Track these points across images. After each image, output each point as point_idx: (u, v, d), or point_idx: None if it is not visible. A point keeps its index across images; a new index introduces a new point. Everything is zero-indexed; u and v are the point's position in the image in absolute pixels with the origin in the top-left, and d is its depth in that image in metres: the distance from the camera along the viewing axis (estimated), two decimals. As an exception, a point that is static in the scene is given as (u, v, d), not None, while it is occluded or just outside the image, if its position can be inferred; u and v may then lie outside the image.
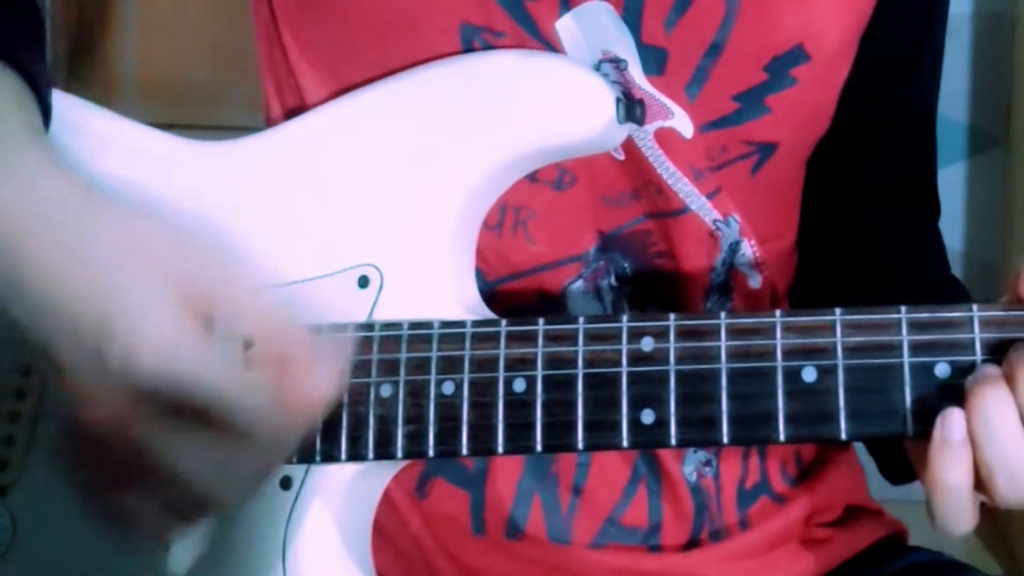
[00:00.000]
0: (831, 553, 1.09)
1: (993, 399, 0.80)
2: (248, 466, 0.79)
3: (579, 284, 1.02)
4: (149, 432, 0.77)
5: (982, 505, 0.85)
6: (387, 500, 0.99)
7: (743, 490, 1.07)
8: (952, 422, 0.81)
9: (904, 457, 0.90)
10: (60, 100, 0.99)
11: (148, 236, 0.79)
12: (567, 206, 1.00)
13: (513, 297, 1.02)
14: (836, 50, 1.01)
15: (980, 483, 0.81)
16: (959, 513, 0.82)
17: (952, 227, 1.18)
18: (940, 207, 1.19)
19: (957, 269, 1.17)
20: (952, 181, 1.18)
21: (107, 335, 0.76)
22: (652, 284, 1.03)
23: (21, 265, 0.78)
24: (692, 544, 1.06)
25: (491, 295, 1.01)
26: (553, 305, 1.02)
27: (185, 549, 0.93)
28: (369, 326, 0.92)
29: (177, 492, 0.79)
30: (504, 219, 1.00)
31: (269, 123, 1.07)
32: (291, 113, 1.04)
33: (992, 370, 0.82)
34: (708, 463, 1.06)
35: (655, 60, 0.97)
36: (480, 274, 1.00)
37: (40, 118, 0.88)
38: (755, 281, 1.05)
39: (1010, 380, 0.80)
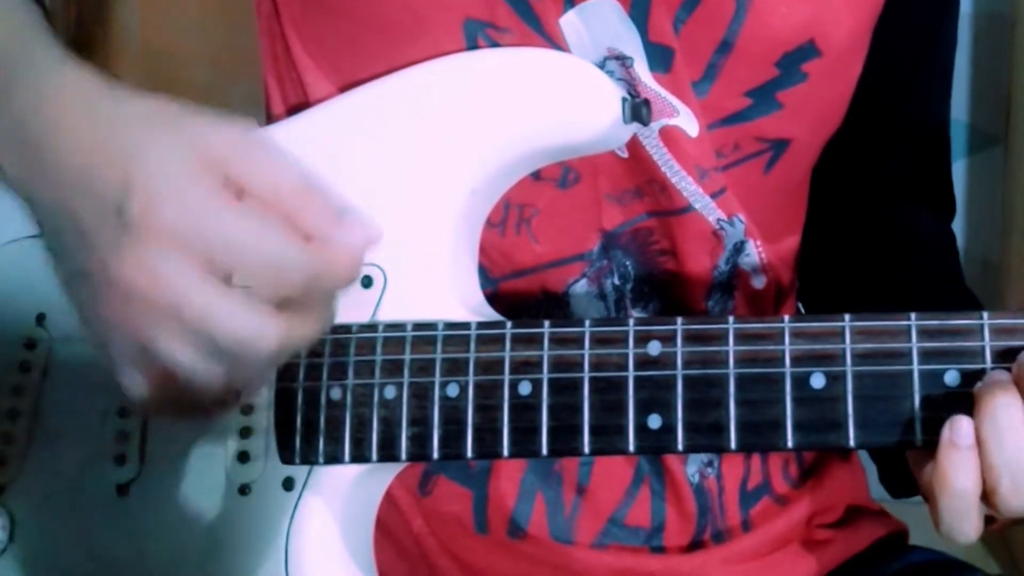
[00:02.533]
0: (832, 554, 1.09)
1: (1002, 403, 0.80)
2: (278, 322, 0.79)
3: (582, 283, 1.02)
4: (178, 284, 0.77)
5: (988, 521, 0.85)
6: (389, 498, 0.99)
7: (745, 491, 1.07)
8: (961, 426, 0.81)
9: (906, 469, 0.90)
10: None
11: (169, 110, 0.82)
12: (571, 204, 1.00)
13: (516, 296, 1.02)
14: (847, 45, 1.01)
15: (985, 489, 0.81)
16: (964, 520, 0.82)
17: (952, 225, 1.18)
18: (955, 206, 1.18)
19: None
20: (952, 178, 1.18)
21: (129, 192, 0.77)
22: (654, 282, 1.03)
23: (48, 137, 0.82)
24: (695, 545, 1.06)
25: (494, 293, 1.01)
26: (556, 304, 1.02)
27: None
28: (372, 327, 0.92)
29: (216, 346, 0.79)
30: (507, 217, 1.00)
31: (270, 118, 1.06)
32: (293, 108, 1.04)
33: (1002, 375, 0.82)
34: (710, 463, 1.06)
35: (661, 58, 0.97)
36: (483, 272, 0.99)
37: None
38: (759, 281, 1.05)
39: (1020, 384, 0.80)
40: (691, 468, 1.05)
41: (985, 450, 0.80)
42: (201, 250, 0.77)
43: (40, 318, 0.99)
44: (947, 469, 0.81)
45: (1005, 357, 0.82)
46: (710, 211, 1.01)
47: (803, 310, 1.16)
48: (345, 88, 1.00)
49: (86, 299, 0.82)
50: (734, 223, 1.02)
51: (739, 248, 1.03)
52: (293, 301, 0.79)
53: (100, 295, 0.80)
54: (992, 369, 0.82)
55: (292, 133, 0.99)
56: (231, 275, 0.78)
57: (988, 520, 0.87)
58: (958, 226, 1.20)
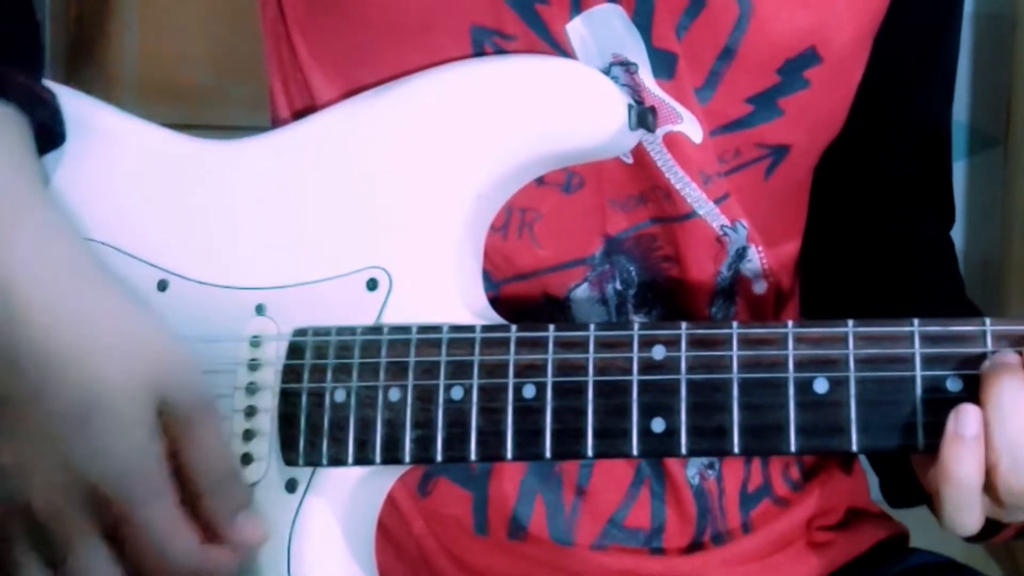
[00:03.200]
0: (833, 556, 1.09)
1: (1007, 384, 0.81)
2: None
3: (584, 287, 1.02)
4: (77, 531, 0.83)
5: (994, 528, 0.86)
6: (389, 499, 0.99)
7: (745, 493, 1.07)
8: (966, 417, 0.81)
9: (907, 479, 0.90)
10: (67, 97, 0.99)
11: (144, 337, 0.86)
12: (574, 209, 1.00)
13: (517, 299, 1.02)
14: (849, 52, 1.01)
15: (987, 470, 0.82)
16: (966, 512, 0.83)
17: (952, 226, 1.19)
18: (954, 213, 1.19)
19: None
20: (952, 186, 1.18)
21: (80, 433, 0.82)
22: (657, 288, 1.03)
23: (19, 329, 0.83)
24: (694, 547, 1.06)
25: (495, 296, 1.01)
26: (557, 308, 1.02)
27: None
28: (377, 329, 0.92)
29: None
30: (510, 221, 1.00)
31: (275, 122, 1.06)
32: (299, 112, 1.04)
33: (1011, 357, 0.82)
34: (711, 466, 1.06)
35: (665, 64, 0.97)
36: (485, 275, 0.99)
37: (36, 163, 0.91)
38: (759, 287, 1.05)
39: None
40: (691, 470, 1.05)
41: (987, 430, 0.81)
42: (113, 513, 0.83)
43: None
44: (950, 460, 0.81)
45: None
46: (714, 217, 1.01)
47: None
48: (351, 93, 1.00)
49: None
50: (737, 228, 1.02)
51: (741, 254, 1.03)
52: None
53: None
54: (993, 353, 0.83)
55: (299, 137, 0.99)
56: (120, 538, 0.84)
57: (995, 528, 0.87)
58: (958, 226, 1.20)
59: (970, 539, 0.88)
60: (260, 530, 0.89)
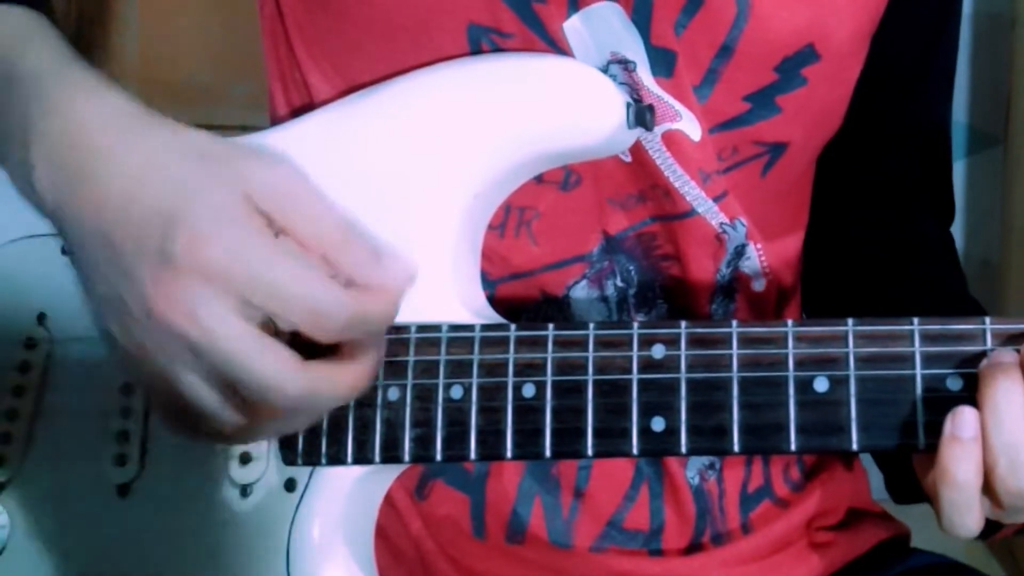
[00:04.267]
0: (833, 556, 1.09)
1: (1003, 386, 0.81)
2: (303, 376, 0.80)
3: (583, 285, 1.02)
4: (203, 326, 0.78)
5: (993, 528, 0.86)
6: (388, 501, 0.99)
7: (745, 494, 1.07)
8: (963, 418, 0.81)
9: (912, 475, 0.90)
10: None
11: (216, 146, 0.82)
12: (572, 207, 1.00)
13: (515, 297, 1.02)
14: (847, 49, 1.01)
15: (984, 471, 0.82)
16: (966, 513, 0.83)
17: (952, 225, 1.19)
18: (954, 210, 1.19)
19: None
20: (952, 183, 1.18)
21: (173, 227, 0.78)
22: (657, 287, 1.03)
23: (90, 163, 0.81)
24: (694, 548, 1.06)
25: (493, 295, 1.01)
26: (556, 306, 1.02)
27: None
28: None
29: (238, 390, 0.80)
30: (507, 220, 1.00)
31: (274, 120, 1.06)
32: (297, 111, 1.04)
33: (1007, 356, 0.82)
34: (711, 466, 1.06)
35: (664, 62, 0.97)
36: (483, 273, 0.99)
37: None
38: (759, 284, 1.05)
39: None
40: (691, 471, 1.05)
41: (984, 431, 0.81)
42: (241, 292, 0.78)
43: (41, 318, 0.99)
44: (948, 461, 0.81)
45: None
46: (713, 215, 1.01)
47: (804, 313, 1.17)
48: (348, 91, 1.00)
49: (116, 325, 0.82)
50: (736, 226, 1.02)
51: (740, 251, 1.03)
52: (329, 351, 0.80)
53: (132, 324, 0.80)
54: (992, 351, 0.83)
55: (296, 136, 0.99)
56: (268, 319, 0.79)
57: (994, 527, 0.87)
58: (958, 226, 1.20)
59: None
60: (407, 265, 0.83)
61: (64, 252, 0.99)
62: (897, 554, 1.12)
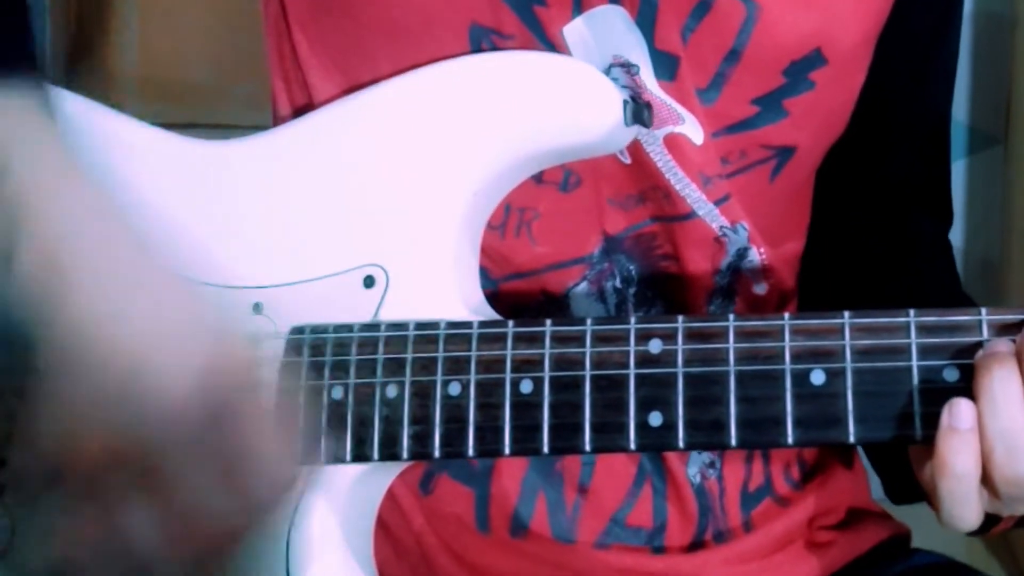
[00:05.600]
0: (834, 556, 1.09)
1: (999, 375, 0.81)
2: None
3: (583, 286, 1.02)
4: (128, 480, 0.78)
5: (992, 521, 0.86)
6: (390, 496, 0.99)
7: (747, 492, 1.07)
8: (960, 409, 0.82)
9: (909, 474, 0.90)
10: (63, 98, 0.99)
11: (193, 307, 0.81)
12: (572, 207, 1.00)
13: (516, 297, 1.02)
14: (853, 53, 1.01)
15: (982, 459, 0.82)
16: (964, 505, 0.83)
17: (952, 226, 1.19)
18: (952, 213, 1.18)
19: (957, 267, 1.17)
20: (952, 179, 1.18)
21: (136, 379, 0.77)
22: (656, 286, 1.03)
23: (67, 294, 0.79)
24: (696, 546, 1.05)
25: (494, 294, 1.01)
26: (556, 305, 1.02)
27: None
28: (375, 326, 0.92)
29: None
30: (508, 220, 1.00)
31: (277, 119, 1.06)
32: (300, 110, 1.04)
33: (1003, 345, 0.82)
34: (712, 464, 1.06)
35: (667, 65, 0.97)
36: (484, 273, 0.99)
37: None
38: (760, 288, 1.05)
39: (1020, 357, 0.81)
40: (692, 468, 1.05)
41: (981, 420, 0.81)
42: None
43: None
44: (947, 453, 0.82)
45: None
46: (713, 218, 1.01)
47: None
48: (350, 90, 1.00)
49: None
50: (737, 230, 1.02)
51: (742, 254, 1.03)
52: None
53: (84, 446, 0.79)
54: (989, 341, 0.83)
55: (296, 135, 0.99)
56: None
57: (993, 520, 0.87)
58: (958, 226, 1.20)
59: (969, 532, 0.88)
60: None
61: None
62: (898, 554, 1.12)
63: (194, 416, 0.78)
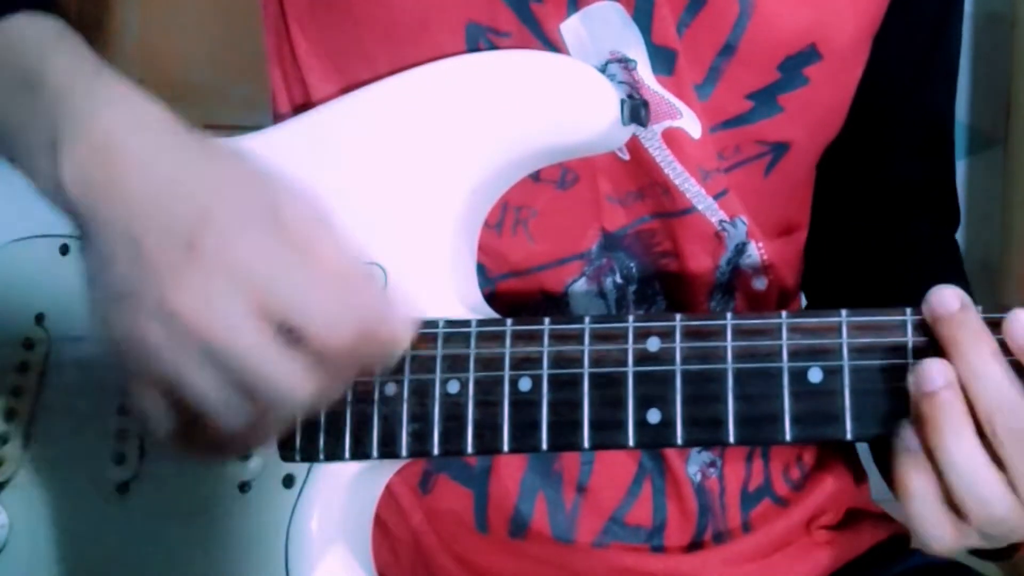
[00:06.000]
0: (833, 556, 1.09)
1: (948, 427, 0.80)
2: (315, 377, 0.81)
3: (582, 282, 1.02)
4: (232, 321, 0.79)
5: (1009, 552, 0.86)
6: (390, 494, 0.99)
7: (746, 492, 1.07)
8: (906, 432, 0.82)
9: None
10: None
11: (253, 169, 0.84)
12: (569, 204, 1.01)
13: (515, 295, 1.02)
14: (849, 49, 1.01)
15: (954, 507, 0.81)
16: (933, 527, 0.82)
17: (956, 229, 1.18)
18: (959, 213, 1.18)
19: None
20: (956, 187, 1.18)
21: (206, 225, 0.79)
22: (657, 283, 1.03)
23: (123, 162, 0.82)
24: (695, 545, 1.06)
25: (492, 292, 1.01)
26: (555, 304, 1.02)
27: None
28: None
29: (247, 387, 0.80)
30: (505, 218, 1.00)
31: (276, 118, 1.07)
32: (299, 109, 1.04)
33: (942, 396, 0.81)
34: (712, 464, 1.06)
35: (664, 60, 0.97)
36: (482, 271, 1.00)
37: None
38: (760, 283, 1.05)
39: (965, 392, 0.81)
40: (692, 467, 1.05)
41: (942, 471, 0.81)
42: (263, 294, 0.78)
43: (39, 318, 0.99)
44: (902, 473, 0.82)
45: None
46: (712, 212, 1.01)
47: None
48: (348, 89, 1.00)
49: (124, 322, 0.81)
50: (736, 224, 1.02)
51: (741, 249, 1.04)
52: (334, 360, 0.81)
53: (143, 318, 0.79)
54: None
55: (294, 133, 1.00)
56: (284, 326, 0.79)
57: (1010, 551, 0.87)
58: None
59: (990, 557, 0.90)
60: (410, 317, 0.86)
61: (63, 252, 0.99)
62: (896, 554, 1.12)
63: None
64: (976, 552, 0.92)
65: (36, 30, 0.92)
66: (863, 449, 1.11)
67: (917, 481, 0.81)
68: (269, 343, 0.79)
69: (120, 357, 0.82)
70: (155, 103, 0.86)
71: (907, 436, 0.81)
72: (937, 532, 0.82)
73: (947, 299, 0.82)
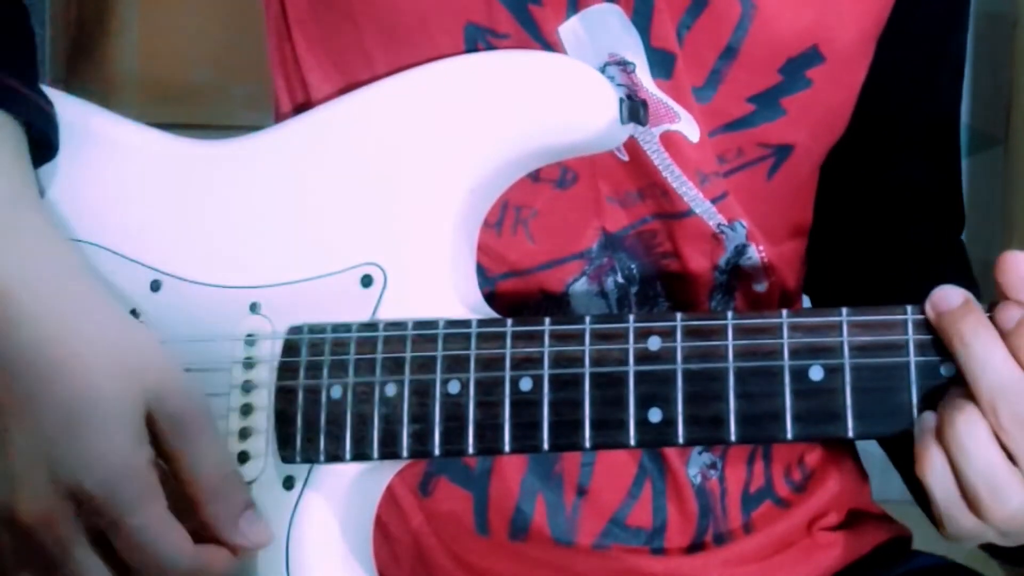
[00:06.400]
0: (835, 557, 1.09)
1: (964, 426, 0.81)
2: None
3: (582, 282, 1.02)
4: (69, 544, 0.84)
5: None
6: (390, 496, 0.99)
7: (747, 494, 1.07)
8: (927, 417, 0.82)
9: None
10: (62, 102, 0.99)
11: (133, 349, 0.88)
12: (569, 204, 1.00)
13: (515, 295, 1.02)
14: (852, 51, 1.01)
15: (970, 504, 0.82)
16: (958, 519, 0.83)
17: (962, 231, 1.18)
18: (964, 216, 1.18)
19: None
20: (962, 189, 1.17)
21: (65, 445, 0.84)
22: (658, 283, 1.03)
23: (4, 345, 0.85)
24: (696, 547, 1.05)
25: (492, 293, 1.01)
26: (555, 303, 1.02)
27: None
28: (373, 325, 0.92)
29: None
30: (504, 218, 1.00)
31: (279, 118, 1.06)
32: (300, 109, 1.04)
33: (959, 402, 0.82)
34: (713, 466, 1.06)
35: (663, 63, 0.97)
36: (482, 271, 1.00)
37: (31, 172, 0.94)
38: (760, 286, 1.05)
39: (980, 402, 0.81)
40: (693, 469, 1.05)
41: (956, 467, 0.81)
42: (105, 525, 0.84)
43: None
44: (922, 468, 0.82)
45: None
46: (710, 215, 1.01)
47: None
48: (347, 89, 1.00)
49: None
50: (735, 227, 1.02)
51: (740, 251, 1.03)
52: None
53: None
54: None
55: (294, 134, 0.99)
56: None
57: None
58: (958, 226, 1.20)
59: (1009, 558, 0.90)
60: (264, 532, 0.90)
61: None
62: (898, 555, 1.12)
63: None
64: (995, 553, 0.93)
65: None
66: (864, 449, 1.11)
67: (934, 468, 0.81)
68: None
69: None
70: (59, 250, 0.90)
71: (926, 419, 0.82)
72: (958, 522, 0.83)
73: (950, 295, 0.83)
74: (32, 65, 0.98)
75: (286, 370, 0.92)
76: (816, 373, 0.84)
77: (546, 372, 0.87)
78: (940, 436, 0.81)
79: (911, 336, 0.83)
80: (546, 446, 0.87)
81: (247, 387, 0.93)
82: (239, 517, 0.88)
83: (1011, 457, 0.80)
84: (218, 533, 0.88)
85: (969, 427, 0.80)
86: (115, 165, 1.00)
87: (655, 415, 0.86)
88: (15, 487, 0.83)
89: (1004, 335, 0.81)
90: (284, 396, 0.92)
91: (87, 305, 0.88)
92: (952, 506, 0.82)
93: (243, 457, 0.93)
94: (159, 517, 0.85)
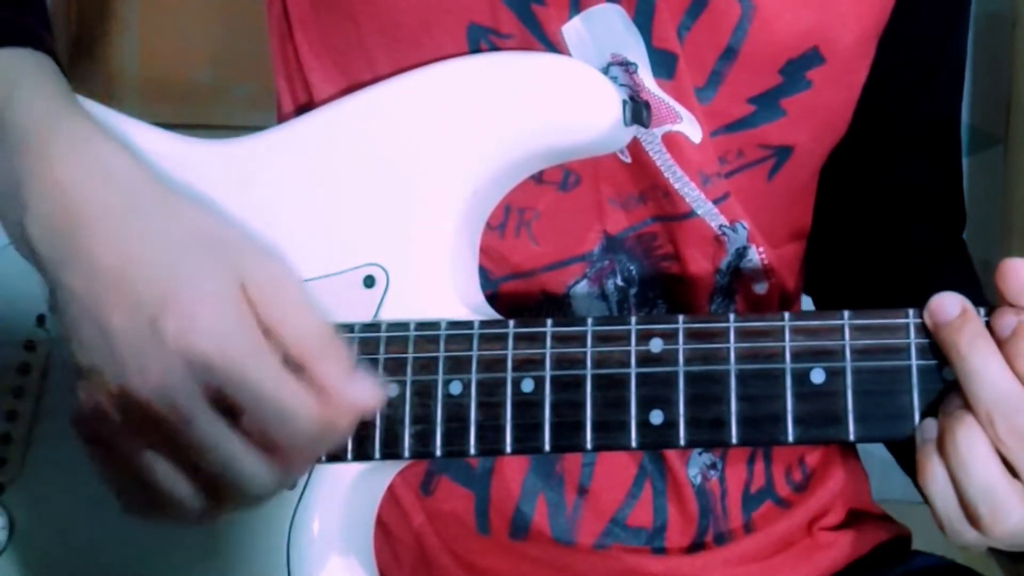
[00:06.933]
0: (835, 557, 1.09)
1: (964, 439, 0.81)
2: (271, 468, 0.82)
3: (583, 284, 1.02)
4: (190, 409, 0.80)
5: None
6: (391, 496, 0.99)
7: (748, 494, 1.07)
8: (928, 425, 0.82)
9: None
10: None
11: (214, 235, 0.83)
12: (572, 206, 1.00)
13: (516, 297, 1.02)
14: (852, 52, 1.01)
15: (970, 519, 0.82)
16: (960, 532, 0.83)
17: (963, 231, 1.18)
18: (965, 217, 1.18)
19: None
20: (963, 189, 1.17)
21: (166, 312, 0.79)
22: (657, 286, 1.03)
23: (85, 237, 0.82)
24: (696, 547, 1.06)
25: (494, 294, 1.01)
26: (557, 305, 1.02)
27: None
28: (375, 326, 0.92)
29: (204, 475, 0.82)
30: (507, 220, 1.00)
31: (281, 118, 1.07)
32: (302, 110, 1.04)
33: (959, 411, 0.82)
34: (713, 466, 1.06)
35: (665, 64, 0.97)
36: (484, 273, 1.00)
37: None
38: (760, 287, 1.05)
39: (979, 415, 0.81)
40: (693, 469, 1.05)
41: (956, 480, 0.81)
42: (219, 385, 0.79)
43: (40, 319, 0.99)
44: (923, 475, 0.82)
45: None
46: (712, 217, 1.01)
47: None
48: (350, 90, 1.00)
49: (87, 394, 0.82)
50: (736, 229, 1.02)
51: (741, 253, 1.04)
52: (283, 449, 0.82)
53: (104, 398, 0.81)
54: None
55: (295, 134, 0.99)
56: (238, 413, 0.81)
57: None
58: (958, 226, 1.20)
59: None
60: (378, 387, 0.84)
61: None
62: (898, 555, 1.12)
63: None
64: (996, 550, 0.93)
65: (9, 66, 0.90)
66: (864, 449, 1.11)
67: (936, 479, 0.81)
68: (224, 436, 0.80)
69: (79, 425, 0.84)
70: (118, 148, 0.86)
71: (927, 428, 0.82)
72: (960, 534, 0.83)
73: (947, 305, 0.83)
74: (44, 12, 0.98)
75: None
76: (817, 376, 0.84)
77: (548, 373, 0.88)
78: (941, 447, 0.81)
79: (912, 339, 0.84)
80: (547, 447, 0.87)
81: (249, 387, 0.93)
82: (347, 373, 0.83)
83: (1011, 469, 0.80)
84: (334, 392, 0.82)
85: (969, 441, 0.80)
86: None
87: (657, 417, 0.86)
88: (126, 369, 0.80)
89: (1000, 343, 0.81)
90: None
91: (162, 194, 0.85)
92: (953, 520, 0.82)
93: (244, 457, 0.93)
94: (277, 370, 0.80)
